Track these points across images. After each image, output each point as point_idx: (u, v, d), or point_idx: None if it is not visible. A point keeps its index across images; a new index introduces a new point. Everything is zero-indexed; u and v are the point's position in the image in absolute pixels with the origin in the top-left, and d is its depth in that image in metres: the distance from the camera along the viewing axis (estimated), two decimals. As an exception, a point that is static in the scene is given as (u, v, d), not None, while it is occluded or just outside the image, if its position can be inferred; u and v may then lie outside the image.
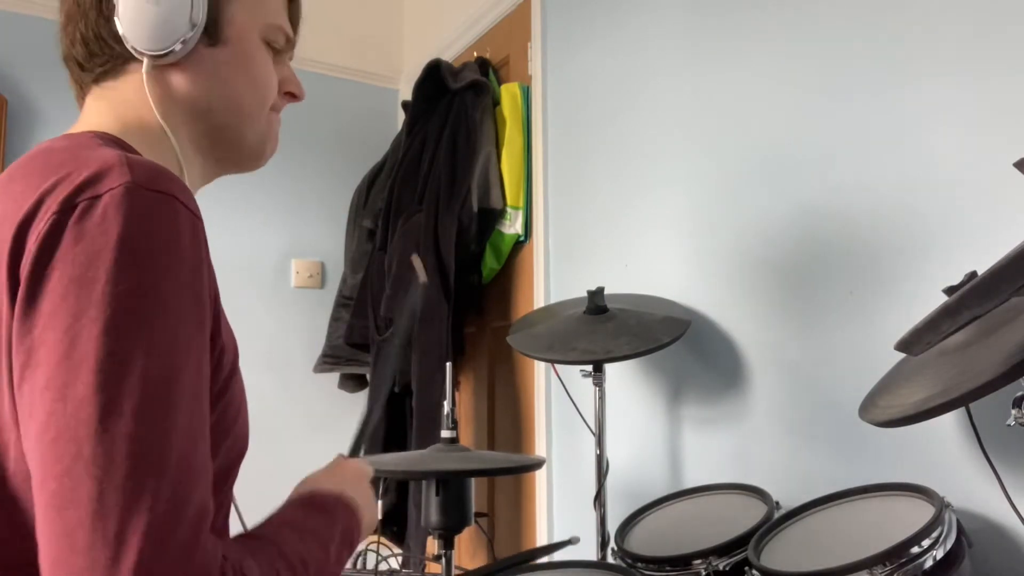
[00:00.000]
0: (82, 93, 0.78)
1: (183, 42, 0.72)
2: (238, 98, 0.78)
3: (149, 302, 0.56)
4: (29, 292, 0.56)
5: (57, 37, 0.77)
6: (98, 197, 0.57)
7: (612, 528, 1.46)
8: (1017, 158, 0.92)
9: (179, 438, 0.55)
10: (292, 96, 0.86)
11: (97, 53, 0.74)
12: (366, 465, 0.87)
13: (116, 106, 0.75)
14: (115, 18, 0.72)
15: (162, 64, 0.73)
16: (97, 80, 0.76)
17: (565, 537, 1.20)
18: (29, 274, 0.56)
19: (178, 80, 0.75)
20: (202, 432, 0.59)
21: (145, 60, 0.73)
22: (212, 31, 0.75)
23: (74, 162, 0.61)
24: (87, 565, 0.50)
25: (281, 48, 0.82)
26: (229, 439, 0.70)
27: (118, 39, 0.72)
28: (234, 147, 0.80)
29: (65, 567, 0.51)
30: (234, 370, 0.71)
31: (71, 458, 0.52)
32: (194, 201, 0.63)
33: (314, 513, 0.72)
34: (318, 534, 0.70)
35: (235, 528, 0.76)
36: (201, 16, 0.73)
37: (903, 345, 0.88)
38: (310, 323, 2.89)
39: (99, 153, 0.62)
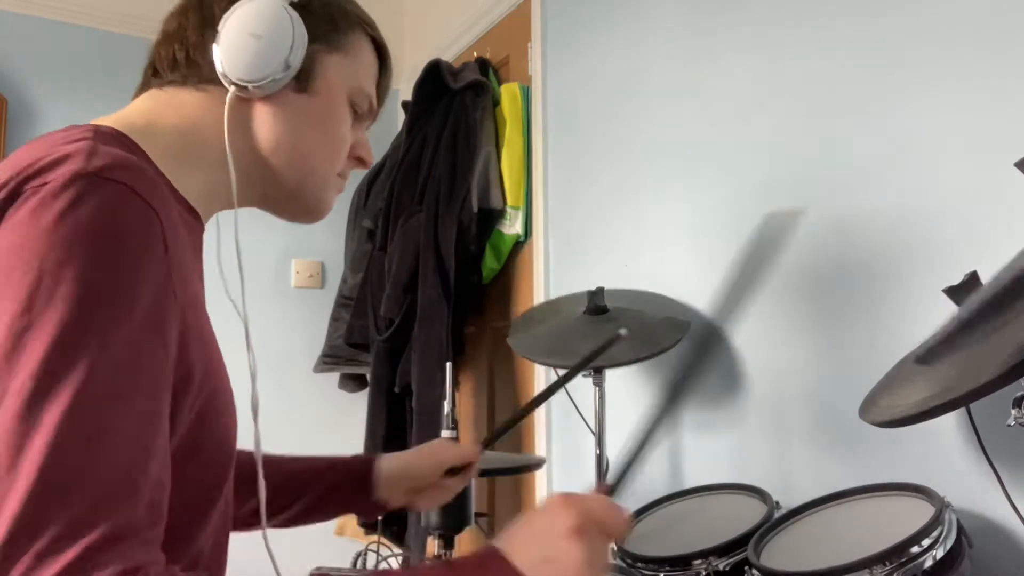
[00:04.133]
0: (145, 86, 0.78)
1: (274, 80, 0.73)
2: (308, 148, 0.78)
3: (80, 293, 0.54)
4: None
5: (150, 50, 0.78)
6: (45, 184, 0.56)
7: (612, 528, 1.45)
8: (1017, 158, 0.92)
9: (108, 451, 0.52)
10: (360, 162, 0.86)
11: (182, 66, 0.75)
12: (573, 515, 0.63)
13: (162, 110, 0.75)
14: (214, 45, 0.73)
15: (245, 96, 0.74)
16: (163, 85, 0.76)
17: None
18: None
19: (255, 113, 0.76)
20: (149, 439, 0.55)
21: (232, 87, 0.73)
22: (303, 78, 0.76)
23: (44, 150, 0.60)
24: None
25: (362, 114, 0.84)
26: (202, 455, 0.67)
27: (209, 62, 0.74)
28: (287, 194, 0.81)
29: None
30: (212, 394, 0.67)
31: None
32: (159, 196, 0.61)
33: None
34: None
35: (252, 540, 0.76)
36: (297, 61, 0.74)
37: (919, 360, 0.88)
38: (310, 323, 2.89)
39: (72, 144, 0.61)
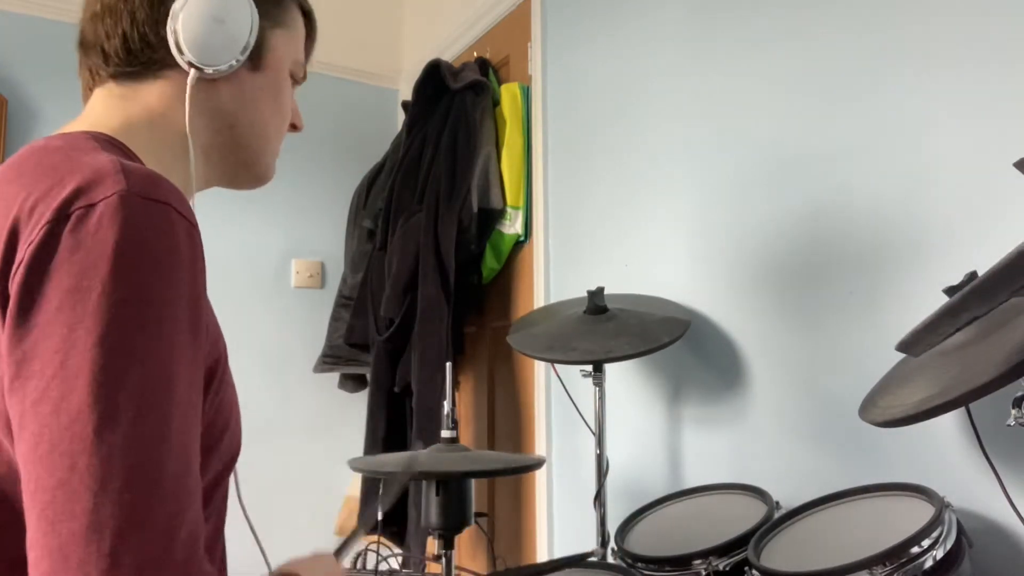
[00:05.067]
0: (92, 83, 0.77)
1: (235, 62, 0.75)
2: (264, 122, 0.81)
3: (144, 312, 0.55)
4: (22, 302, 0.55)
5: (81, 22, 0.77)
6: (93, 205, 0.56)
7: (612, 528, 1.46)
8: (1017, 158, 0.92)
9: (173, 454, 0.54)
10: (294, 128, 0.89)
11: (136, 53, 0.74)
12: (339, 566, 0.81)
13: (129, 106, 0.75)
14: (171, 26, 0.73)
15: (204, 78, 0.75)
16: (118, 77, 0.76)
17: (565, 537, 1.20)
18: (22, 283, 0.55)
19: (214, 95, 0.77)
20: (194, 448, 0.58)
21: (192, 72, 0.74)
22: (255, 57, 0.78)
23: (68, 165, 0.60)
24: None
25: (298, 81, 0.86)
26: (221, 445, 0.70)
27: (163, 45, 0.73)
28: (245, 165, 0.83)
29: None
30: (224, 374, 0.70)
31: (65, 471, 0.51)
32: (190, 209, 0.63)
33: None
34: None
35: (239, 528, 0.76)
36: (254, 41, 0.76)
37: (903, 346, 0.88)
38: (310, 323, 2.89)
39: (94, 158, 0.61)
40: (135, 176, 0.59)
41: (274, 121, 0.83)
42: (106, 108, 0.75)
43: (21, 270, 0.55)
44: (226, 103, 0.78)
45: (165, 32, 0.73)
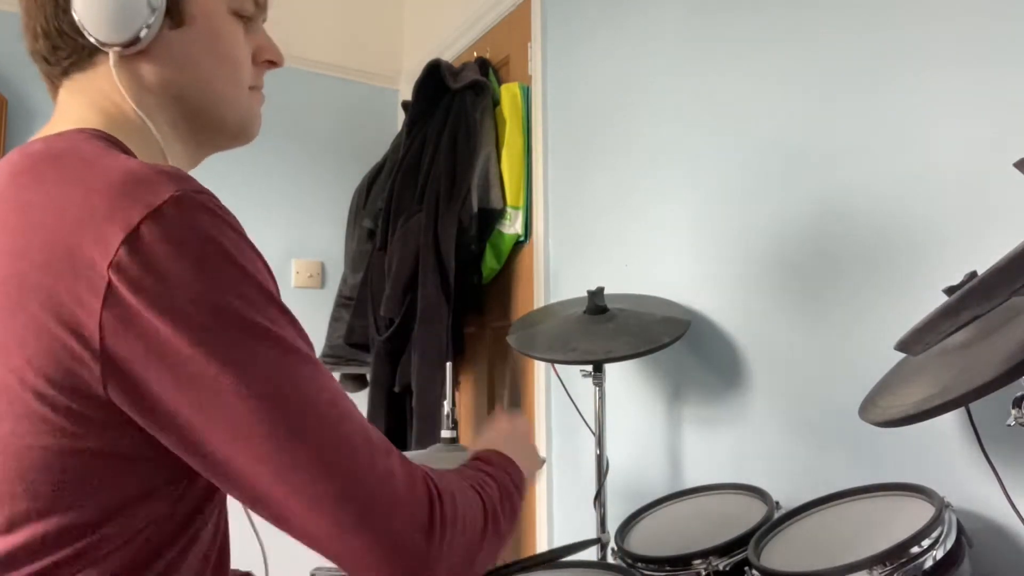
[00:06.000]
0: (54, 87, 0.76)
1: (146, 28, 0.70)
2: (210, 79, 0.75)
3: (255, 294, 0.60)
4: (133, 332, 0.56)
5: (20, 33, 0.75)
6: (158, 211, 0.57)
7: (612, 528, 1.46)
8: (1017, 158, 0.92)
9: (344, 403, 0.62)
10: (271, 64, 0.82)
11: (60, 46, 0.72)
12: (524, 422, 0.95)
13: (93, 98, 0.73)
14: (72, 10, 0.70)
15: (129, 54, 0.71)
16: (66, 73, 0.74)
17: (565, 537, 1.20)
18: (122, 315, 0.56)
19: (147, 68, 0.72)
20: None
21: (111, 52, 0.71)
22: (174, 12, 0.72)
23: (91, 172, 0.61)
24: (366, 505, 0.58)
25: (251, 15, 0.79)
26: None
27: (79, 31, 0.70)
28: (214, 129, 0.78)
29: (344, 519, 0.58)
30: None
31: (288, 467, 0.57)
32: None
33: (483, 466, 0.78)
34: (492, 475, 0.76)
35: (238, 528, 0.76)
36: (158, 0, 0.70)
37: (903, 345, 0.88)
38: (310, 323, 2.88)
39: (114, 162, 0.62)
40: (170, 175, 0.61)
41: (222, 72, 0.76)
42: (77, 106, 0.73)
43: (126, 300, 0.56)
44: (162, 73, 0.73)
45: (75, 18, 0.70)
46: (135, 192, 0.58)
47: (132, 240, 0.56)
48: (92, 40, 0.70)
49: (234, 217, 0.62)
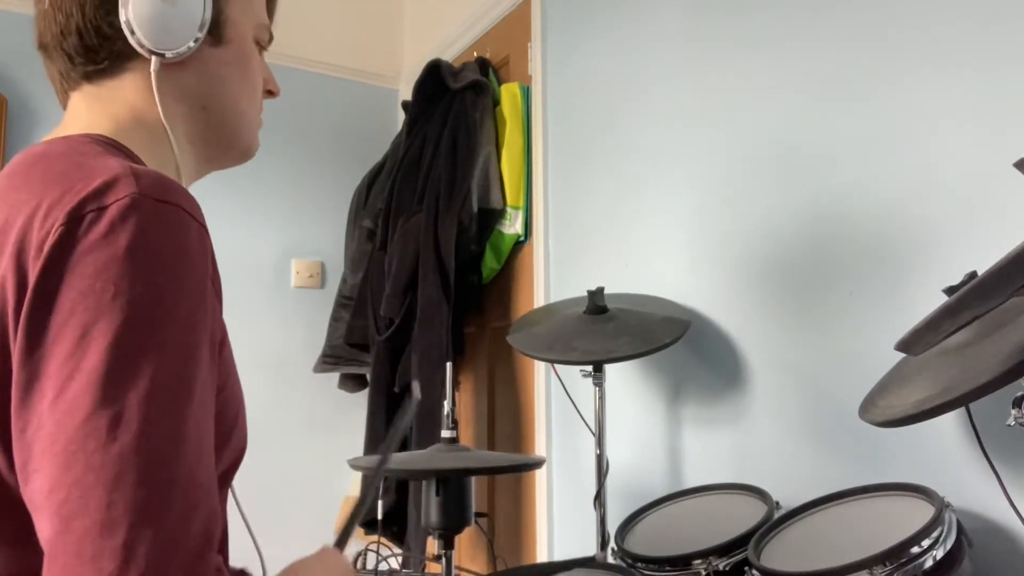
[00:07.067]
0: (66, 87, 0.76)
1: (194, 41, 0.72)
2: (236, 97, 0.79)
3: (158, 312, 0.56)
4: (36, 306, 0.55)
5: (35, 19, 0.74)
6: (105, 208, 0.57)
7: (612, 528, 1.46)
8: (1017, 158, 0.92)
9: (187, 450, 0.55)
10: (270, 94, 0.86)
11: (95, 48, 0.72)
12: (347, 562, 0.82)
13: (110, 106, 0.73)
14: (123, 14, 0.70)
15: (171, 62, 0.73)
16: (90, 77, 0.74)
17: (565, 537, 1.20)
18: (35, 286, 0.55)
19: (181, 79, 0.75)
20: (208, 443, 0.58)
21: (154, 59, 0.72)
22: (215, 32, 0.75)
23: (78, 172, 0.60)
24: (93, 574, 0.50)
25: (264, 45, 0.83)
26: (229, 444, 0.70)
27: (120, 35, 0.71)
28: (228, 145, 0.81)
29: None
30: (230, 369, 0.70)
31: (81, 468, 0.52)
32: (199, 210, 0.63)
33: None
34: None
35: (237, 528, 0.76)
36: (209, 17, 0.73)
37: (903, 345, 0.88)
38: (310, 323, 2.89)
39: (103, 162, 0.61)
40: (146, 179, 0.60)
41: (246, 94, 0.80)
42: (90, 112, 0.74)
43: (35, 273, 0.56)
44: (195, 85, 0.75)
45: (118, 21, 0.71)
46: (99, 187, 0.58)
47: (71, 223, 0.56)
48: (137, 44, 0.71)
49: (198, 236, 0.60)
